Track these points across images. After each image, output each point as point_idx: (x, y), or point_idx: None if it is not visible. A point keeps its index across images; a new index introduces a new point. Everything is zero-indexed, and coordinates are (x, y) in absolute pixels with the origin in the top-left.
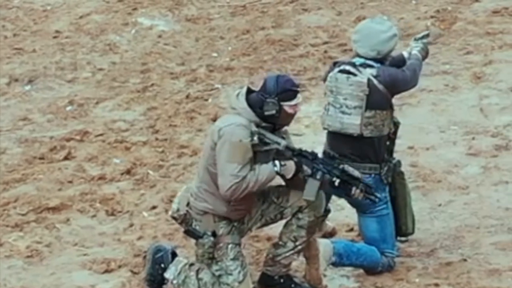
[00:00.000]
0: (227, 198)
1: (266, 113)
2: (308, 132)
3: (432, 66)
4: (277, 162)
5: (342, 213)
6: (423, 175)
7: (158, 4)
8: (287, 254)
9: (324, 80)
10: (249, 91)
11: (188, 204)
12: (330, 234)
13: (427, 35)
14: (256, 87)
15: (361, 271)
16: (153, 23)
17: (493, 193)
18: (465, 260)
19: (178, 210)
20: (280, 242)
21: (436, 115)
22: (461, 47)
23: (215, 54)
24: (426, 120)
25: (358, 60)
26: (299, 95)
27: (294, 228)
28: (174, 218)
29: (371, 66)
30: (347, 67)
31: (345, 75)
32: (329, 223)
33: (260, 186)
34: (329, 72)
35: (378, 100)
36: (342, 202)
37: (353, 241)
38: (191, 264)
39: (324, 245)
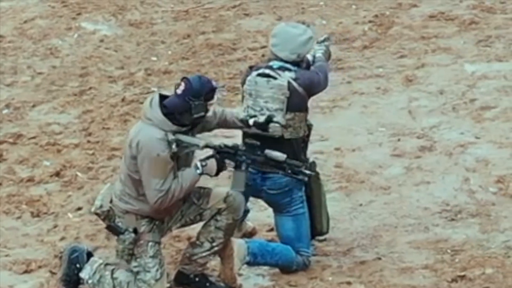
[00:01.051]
0: (156, 209)
1: (196, 115)
2: (239, 133)
3: (366, 70)
4: (198, 163)
5: (264, 213)
6: (347, 176)
7: (102, 9)
8: (204, 254)
9: (243, 84)
10: (162, 97)
11: (111, 201)
12: (250, 234)
13: (328, 38)
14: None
15: (276, 270)
16: (96, 27)
17: (414, 193)
18: (379, 258)
19: (101, 206)
20: (198, 242)
21: (365, 117)
22: (396, 51)
23: (154, 58)
24: (356, 122)
25: (276, 64)
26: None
27: (212, 229)
28: (97, 214)
29: (289, 70)
30: (266, 71)
31: (265, 79)
32: (250, 223)
33: (186, 191)
34: (246, 76)
35: (298, 102)
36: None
37: (273, 240)
38: (107, 264)
39: (238, 245)
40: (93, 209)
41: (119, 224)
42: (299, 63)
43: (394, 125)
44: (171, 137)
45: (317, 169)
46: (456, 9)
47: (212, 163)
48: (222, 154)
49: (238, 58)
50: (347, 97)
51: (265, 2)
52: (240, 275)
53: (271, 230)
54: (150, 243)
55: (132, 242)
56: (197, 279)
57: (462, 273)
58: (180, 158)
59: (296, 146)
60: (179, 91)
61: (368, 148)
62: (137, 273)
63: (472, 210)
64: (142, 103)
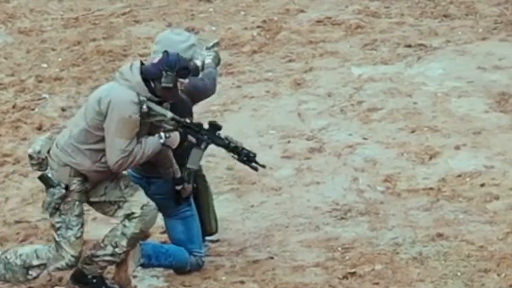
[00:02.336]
0: (114, 170)
1: (164, 85)
2: None
3: (255, 74)
4: (162, 133)
5: (158, 216)
6: (238, 177)
7: None
8: (105, 258)
9: None
10: (142, 64)
11: (48, 151)
12: (144, 236)
13: (217, 44)
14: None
15: (170, 271)
16: None
17: (305, 193)
18: (272, 257)
19: (39, 152)
20: (102, 244)
21: (256, 120)
22: (284, 55)
23: (45, 65)
24: (246, 125)
25: None
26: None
27: (118, 234)
28: (30, 157)
29: None
30: None
31: None
32: None
33: (147, 158)
34: None
35: (181, 107)
36: None
37: (166, 242)
38: (3, 252)
39: None
40: (30, 151)
41: (50, 176)
42: None
43: (284, 128)
44: (142, 98)
45: (210, 172)
46: (342, 14)
47: (176, 136)
48: (186, 129)
49: None
50: (237, 101)
51: (155, 9)
52: (134, 277)
53: (164, 232)
54: (77, 202)
55: (61, 197)
56: (94, 280)
57: (353, 270)
58: (144, 126)
59: (179, 150)
60: (155, 60)
61: (259, 150)
62: (58, 228)
63: (361, 208)
64: (33, 109)
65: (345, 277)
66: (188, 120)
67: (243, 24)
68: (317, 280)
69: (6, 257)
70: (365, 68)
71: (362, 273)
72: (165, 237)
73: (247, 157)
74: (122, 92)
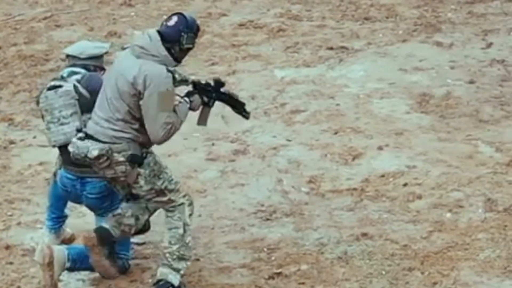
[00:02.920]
0: (160, 143)
1: (186, 46)
2: None
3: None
4: (186, 99)
5: (83, 219)
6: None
7: None
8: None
9: (37, 103)
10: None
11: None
12: (69, 241)
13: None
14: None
15: (96, 274)
16: None
17: (230, 195)
18: (198, 259)
19: (101, 149)
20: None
21: None
22: (207, 58)
23: None
24: None
25: (65, 72)
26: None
27: (137, 208)
28: (99, 157)
29: (77, 73)
30: (52, 83)
31: (52, 91)
32: (68, 230)
33: (181, 125)
34: (39, 95)
35: (87, 103)
36: (85, 209)
37: None
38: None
39: (58, 252)
40: (95, 153)
41: (135, 153)
42: (87, 67)
43: (208, 130)
44: (173, 72)
45: None
46: (264, 18)
47: (198, 100)
48: (201, 91)
49: (51, 68)
50: None
51: (76, 14)
52: (60, 281)
53: None
54: (156, 157)
55: (154, 162)
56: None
57: (279, 270)
58: None
59: None
60: (171, 23)
61: (184, 153)
62: (165, 188)
63: (286, 209)
64: None
65: (271, 277)
66: (199, 81)
67: None
68: (244, 281)
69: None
70: (288, 71)
71: (288, 273)
72: None
73: (243, 109)
74: (154, 68)
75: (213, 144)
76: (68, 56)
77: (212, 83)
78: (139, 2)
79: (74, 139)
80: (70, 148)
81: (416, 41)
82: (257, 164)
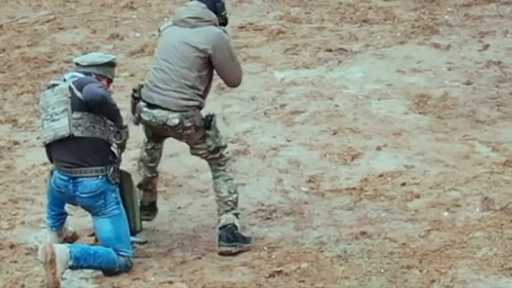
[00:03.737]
0: (237, 86)
1: (223, 13)
2: None
3: None
4: None
5: (85, 218)
6: (165, 180)
7: None
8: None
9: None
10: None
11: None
12: (71, 239)
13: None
14: None
15: (99, 272)
16: None
17: None
18: (199, 258)
19: (181, 119)
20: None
21: None
22: None
23: None
24: None
25: (68, 75)
26: None
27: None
28: (180, 124)
29: (76, 77)
30: (52, 82)
31: (50, 89)
32: (71, 228)
33: None
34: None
35: (78, 103)
36: None
37: (94, 245)
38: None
39: (60, 250)
40: (176, 121)
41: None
42: (88, 72)
43: None
44: None
45: (136, 174)
46: (264, 20)
47: None
48: None
49: (54, 70)
50: None
51: (79, 16)
52: (63, 279)
53: (93, 234)
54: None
55: (215, 123)
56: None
57: (279, 269)
58: None
59: (97, 147)
60: None
61: (185, 153)
62: (221, 144)
63: (286, 209)
64: None
65: (271, 275)
66: None
67: None
68: (244, 279)
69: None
70: (288, 72)
71: (288, 271)
72: (93, 239)
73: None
74: (215, 31)
75: None
76: (75, 64)
77: None
78: (141, 5)
79: (144, 108)
80: (143, 116)
81: (414, 43)
82: (258, 164)
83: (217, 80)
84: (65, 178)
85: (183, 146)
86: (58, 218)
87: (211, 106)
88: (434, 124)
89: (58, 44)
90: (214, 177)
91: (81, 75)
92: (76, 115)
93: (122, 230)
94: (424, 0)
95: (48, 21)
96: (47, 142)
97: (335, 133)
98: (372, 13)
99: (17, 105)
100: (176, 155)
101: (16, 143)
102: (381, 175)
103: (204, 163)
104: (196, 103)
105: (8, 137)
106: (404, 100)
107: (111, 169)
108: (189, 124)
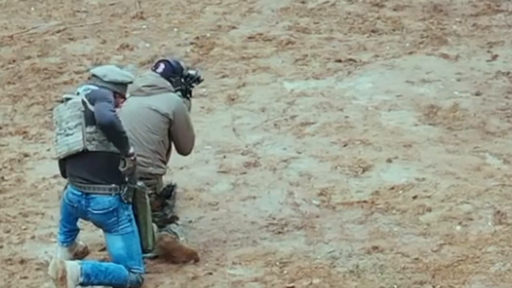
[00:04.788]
0: (188, 155)
1: (183, 85)
2: None
3: None
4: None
5: (96, 233)
6: (176, 193)
7: None
8: None
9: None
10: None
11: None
12: (82, 254)
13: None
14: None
15: None
16: None
17: (241, 208)
18: (210, 273)
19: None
20: None
21: None
22: (218, 71)
23: None
24: None
25: (82, 88)
26: None
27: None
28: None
29: (89, 89)
30: (65, 96)
31: (63, 103)
32: (81, 243)
33: None
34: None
35: (91, 117)
36: None
37: (105, 260)
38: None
39: (71, 266)
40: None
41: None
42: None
43: (219, 143)
44: None
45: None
46: (273, 30)
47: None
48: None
49: (65, 81)
50: None
51: (89, 27)
52: None
53: (104, 249)
54: None
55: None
56: None
57: (291, 284)
58: None
59: (110, 165)
60: (159, 70)
61: (196, 166)
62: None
63: (298, 222)
64: None
65: None
66: None
67: (177, 40)
68: None
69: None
70: (297, 83)
71: (300, 287)
72: (104, 254)
73: None
74: (173, 97)
75: (224, 157)
76: (93, 75)
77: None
78: (151, 15)
79: None
80: None
81: (423, 53)
82: (269, 176)
83: (226, 92)
84: (78, 193)
85: (193, 158)
86: (70, 234)
87: (220, 116)
88: (445, 136)
89: (69, 55)
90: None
91: (95, 88)
92: (90, 129)
93: (134, 248)
94: (433, 10)
95: (59, 31)
96: (61, 157)
97: (345, 145)
98: (381, 23)
99: (28, 116)
100: (187, 167)
101: (26, 155)
102: (392, 188)
103: (215, 175)
104: (159, 171)
105: (19, 149)
106: (414, 111)
107: (125, 189)
108: (150, 192)
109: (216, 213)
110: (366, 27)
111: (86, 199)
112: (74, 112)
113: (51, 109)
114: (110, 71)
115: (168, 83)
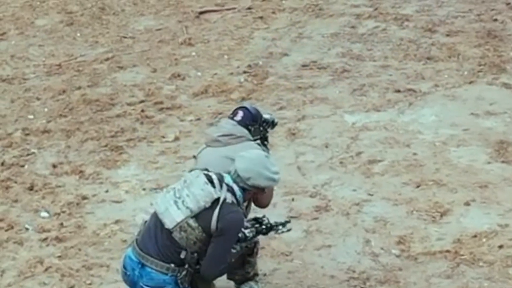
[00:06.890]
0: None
1: (261, 134)
2: (128, 198)
3: None
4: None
5: None
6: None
7: None
8: None
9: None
10: None
11: None
12: None
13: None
14: None
15: None
16: None
17: (317, 259)
18: None
19: None
20: None
21: None
22: (274, 102)
23: (31, 116)
24: None
25: (228, 178)
26: None
27: None
28: None
29: (233, 194)
30: (211, 174)
31: (203, 175)
32: None
33: None
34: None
35: (205, 224)
36: None
37: None
38: None
39: None
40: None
41: None
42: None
43: (285, 183)
44: None
45: None
46: (327, 58)
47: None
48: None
49: (117, 114)
50: None
51: (138, 54)
52: None
53: None
54: None
55: None
56: None
57: None
58: None
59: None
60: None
61: (263, 211)
62: None
63: (380, 276)
64: (23, 166)
65: None
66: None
67: (228, 69)
68: None
69: None
70: (358, 116)
71: None
72: None
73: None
74: (253, 147)
75: (292, 199)
76: (235, 172)
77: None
78: (199, 41)
79: None
80: None
81: (483, 82)
82: (342, 222)
83: (285, 125)
84: (136, 260)
85: None
86: None
87: (283, 153)
88: None
89: (119, 85)
90: None
91: (236, 197)
92: (193, 223)
93: None
94: (487, 36)
95: (107, 59)
96: (152, 211)
97: (418, 186)
98: (436, 49)
99: (82, 153)
100: (254, 211)
101: (84, 197)
102: (475, 236)
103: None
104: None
105: (76, 191)
106: (484, 147)
107: (183, 272)
108: None
109: (290, 265)
110: (421, 54)
111: (140, 269)
112: (201, 197)
113: (106, 145)
114: (258, 175)
115: (246, 131)
